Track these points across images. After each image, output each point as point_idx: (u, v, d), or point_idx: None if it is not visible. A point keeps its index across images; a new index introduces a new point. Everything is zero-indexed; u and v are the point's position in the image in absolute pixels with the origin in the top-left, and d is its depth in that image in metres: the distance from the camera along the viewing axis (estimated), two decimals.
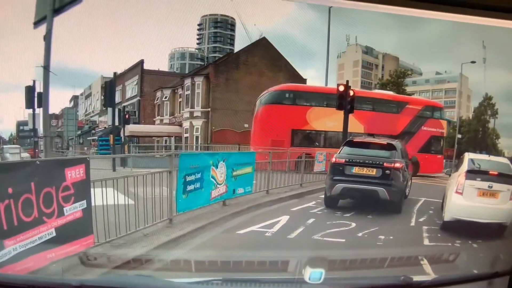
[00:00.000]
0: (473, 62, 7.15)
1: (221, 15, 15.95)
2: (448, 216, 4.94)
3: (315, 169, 9.23)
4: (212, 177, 5.73)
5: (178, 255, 4.24)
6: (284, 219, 5.59)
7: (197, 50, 16.22)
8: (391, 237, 4.93)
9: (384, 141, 6.51)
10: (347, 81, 9.85)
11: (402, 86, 10.42)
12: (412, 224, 5.71)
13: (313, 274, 2.58)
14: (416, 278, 2.73)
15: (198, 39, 16.13)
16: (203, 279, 2.88)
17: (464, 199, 4.75)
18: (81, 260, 3.41)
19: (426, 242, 4.92)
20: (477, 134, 9.39)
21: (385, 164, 5.74)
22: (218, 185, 5.87)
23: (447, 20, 2.65)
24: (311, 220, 5.60)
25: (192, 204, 5.35)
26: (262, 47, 11.79)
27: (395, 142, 6.43)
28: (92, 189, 3.78)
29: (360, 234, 5.01)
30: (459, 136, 9.11)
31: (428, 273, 3.44)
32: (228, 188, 6.15)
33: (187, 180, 5.19)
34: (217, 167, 5.81)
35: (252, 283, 2.79)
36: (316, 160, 9.42)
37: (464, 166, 5.03)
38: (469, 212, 4.71)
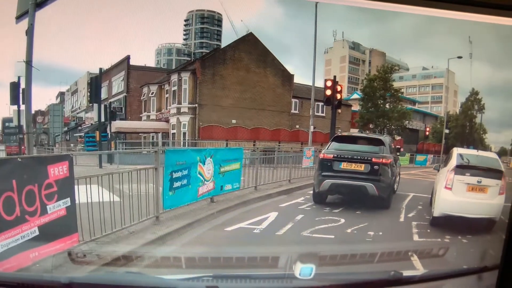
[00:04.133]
0: (459, 57, 7.17)
1: (208, 10, 15.89)
2: (437, 211, 4.93)
3: (303, 164, 9.19)
4: (199, 173, 5.63)
5: (167, 252, 4.19)
6: (272, 215, 5.53)
7: (184, 46, 16.12)
8: (381, 233, 4.91)
9: (372, 136, 6.56)
10: (335, 77, 9.82)
11: (389, 82, 10.41)
12: (401, 219, 5.70)
13: (303, 269, 2.57)
14: (406, 273, 2.74)
15: (184, 34, 16.06)
16: (194, 275, 2.84)
17: (454, 194, 4.75)
18: (70, 258, 3.37)
19: (415, 237, 4.90)
20: (465, 129, 9.41)
21: (373, 159, 5.71)
22: (205, 182, 5.78)
23: (434, 15, 2.73)
24: (299, 216, 5.55)
25: (179, 201, 5.25)
26: (249, 42, 11.69)
27: (383, 137, 6.42)
28: (76, 187, 3.68)
29: (349, 230, 4.98)
30: (447, 131, 9.12)
31: (418, 268, 3.45)
32: (216, 185, 6.06)
33: (173, 176, 5.10)
34: (204, 164, 5.72)
35: (243, 279, 2.79)
36: (304, 156, 9.38)
37: (453, 161, 5.01)
38: (458, 208, 4.70)
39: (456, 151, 5.28)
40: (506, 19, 2.43)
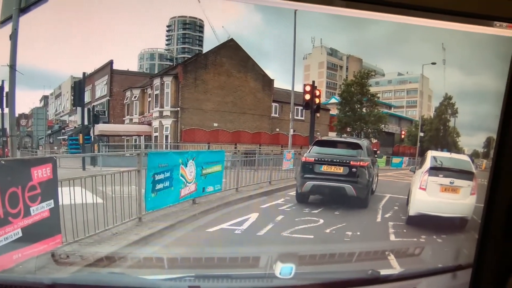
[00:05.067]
0: (433, 63, 7.23)
1: (190, 17, 15.77)
2: (412, 211, 5.08)
3: (283, 167, 9.21)
4: (182, 175, 5.61)
5: (149, 253, 4.16)
6: (253, 216, 5.51)
7: (166, 51, 16.03)
8: (358, 233, 4.96)
9: (351, 140, 6.80)
10: (313, 82, 9.86)
11: (366, 87, 10.49)
12: (378, 220, 5.75)
13: (283, 269, 2.66)
14: (383, 272, 2.83)
15: (167, 40, 15.95)
16: (176, 275, 2.89)
17: (428, 194, 4.90)
18: (53, 259, 3.35)
19: (392, 237, 4.95)
20: (439, 132, 9.52)
21: (351, 162, 5.91)
22: (187, 184, 5.76)
23: (408, 23, 2.70)
24: (280, 217, 5.55)
25: (162, 202, 5.24)
26: (230, 48, 11.65)
27: (361, 141, 6.57)
28: (60, 189, 3.63)
29: (328, 230, 5.01)
30: (422, 134, 9.22)
31: (395, 267, 3.48)
32: (198, 187, 6.03)
33: (156, 179, 5.08)
34: (186, 166, 5.71)
35: (224, 279, 2.82)
36: (284, 158, 9.40)
37: (427, 164, 5.16)
38: (432, 207, 4.86)
39: (430, 153, 5.42)
40: (476, 27, 2.67)
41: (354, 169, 5.89)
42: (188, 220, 5.24)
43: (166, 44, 12.80)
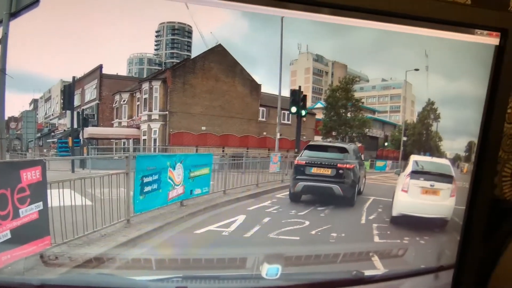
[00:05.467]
0: (416, 69, 7.27)
1: (179, 22, 15.61)
2: (395, 211, 5.26)
3: (270, 169, 9.20)
4: (170, 178, 5.57)
5: (137, 254, 4.18)
6: (240, 218, 5.50)
7: (155, 56, 15.91)
8: (343, 234, 5.00)
9: (338, 144, 7.10)
10: (300, 87, 9.88)
11: (351, 92, 10.49)
12: (363, 221, 5.76)
13: (270, 270, 2.74)
14: (368, 273, 2.98)
15: (156, 45, 15.76)
16: (164, 276, 2.92)
17: (409, 196, 5.09)
18: (42, 260, 3.36)
19: (376, 239, 5.03)
20: (422, 136, 9.55)
21: (338, 165, 6.22)
22: (175, 186, 5.70)
23: (392, 30, 2.78)
24: (266, 219, 5.57)
25: (150, 205, 5.20)
26: (218, 53, 11.58)
27: (348, 146, 6.97)
28: (49, 191, 3.61)
29: (313, 232, 5.06)
30: (405, 138, 9.26)
31: (379, 268, 3.54)
32: (186, 189, 5.95)
33: (144, 181, 5.05)
34: (174, 169, 5.66)
35: (212, 280, 2.90)
36: (271, 161, 9.40)
37: (409, 167, 5.35)
38: (414, 208, 4.99)
39: (413, 158, 5.67)
40: (458, 35, 2.78)
41: (341, 171, 6.19)
42: (176, 222, 5.21)
43: (155, 49, 12.72)
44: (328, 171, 6.30)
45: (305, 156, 6.81)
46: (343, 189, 6.21)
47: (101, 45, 5.23)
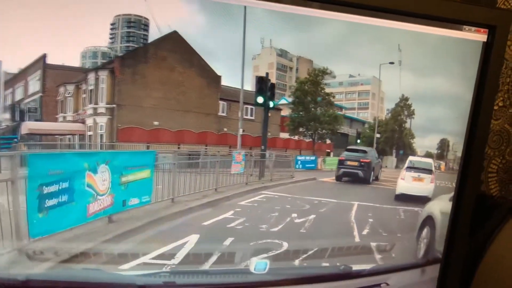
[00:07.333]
0: (391, 63, 7.05)
1: (135, 15, 15.05)
2: (397, 191, 7.01)
3: (232, 170, 8.51)
4: (89, 185, 4.23)
5: (124, 249, 4.02)
6: (192, 240, 4.09)
7: (109, 49, 15.27)
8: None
9: (362, 148, 9.39)
10: (267, 73, 9.39)
11: (321, 85, 10.18)
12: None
13: (258, 264, 3.04)
14: (355, 267, 3.27)
15: (110, 38, 15.14)
16: (151, 271, 3.07)
17: (405, 182, 7.00)
18: (27, 255, 3.31)
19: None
20: (395, 133, 9.62)
21: (361, 160, 8.61)
22: (98, 196, 4.35)
23: (361, 23, 2.85)
24: (228, 241, 4.22)
25: (57, 224, 3.87)
26: (173, 41, 10.95)
27: (367, 149, 9.12)
28: None
29: (296, 262, 4.04)
30: (378, 135, 9.36)
31: (366, 263, 3.74)
32: (116, 199, 4.65)
33: (44, 191, 3.72)
34: (96, 172, 4.33)
35: (200, 274, 3.11)
36: (233, 160, 8.73)
37: (406, 164, 7.28)
38: (408, 189, 6.80)
39: (409, 158, 7.44)
40: (445, 31, 2.94)
41: (362, 163, 8.61)
42: (94, 249, 3.85)
43: (110, 43, 12.18)
44: (356, 163, 8.72)
45: (344, 154, 9.18)
46: (363, 173, 8.56)
47: (53, 37, 4.69)
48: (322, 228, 4.39)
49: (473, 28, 2.87)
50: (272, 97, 9.10)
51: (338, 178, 9.16)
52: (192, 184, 7.16)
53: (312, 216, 5.48)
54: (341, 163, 9.38)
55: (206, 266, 3.82)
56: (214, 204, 6.56)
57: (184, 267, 3.42)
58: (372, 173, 9.63)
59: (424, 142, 7.74)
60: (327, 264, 3.66)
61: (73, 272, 3.09)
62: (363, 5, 2.63)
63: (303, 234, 4.94)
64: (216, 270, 3.21)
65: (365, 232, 5.08)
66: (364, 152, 9.49)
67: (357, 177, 9.06)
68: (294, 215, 5.49)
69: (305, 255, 3.71)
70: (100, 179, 4.42)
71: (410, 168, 7.41)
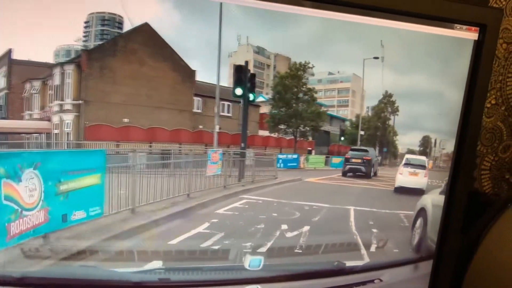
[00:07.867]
0: (376, 57, 6.82)
1: (109, 13, 14.54)
2: (396, 184, 7.32)
3: (207, 172, 7.74)
4: (10, 198, 3.01)
5: (120, 247, 3.84)
6: (153, 266, 3.21)
7: (83, 47, 14.85)
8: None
9: (364, 148, 9.68)
10: (247, 62, 8.90)
11: (302, 80, 9.87)
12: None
13: (252, 261, 2.99)
14: (349, 263, 3.27)
15: (84, 36, 14.68)
16: (146, 268, 3.00)
17: (403, 176, 7.37)
18: (23, 253, 3.22)
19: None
20: (377, 131, 9.63)
21: (364, 157, 9.25)
22: (25, 212, 3.14)
23: (339, 19, 2.72)
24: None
25: None
26: (144, 33, 10.49)
27: (369, 148, 9.52)
28: None
29: None
30: (362, 132, 9.35)
31: (360, 259, 3.74)
32: (52, 214, 3.40)
33: None
34: (19, 180, 3.08)
35: (195, 271, 3.07)
36: (209, 160, 8.07)
37: (403, 161, 7.51)
38: (405, 183, 7.05)
39: (406, 156, 7.54)
40: (436, 29, 2.89)
41: (364, 160, 9.22)
42: None
43: (84, 41, 11.73)
44: (359, 160, 9.36)
45: (349, 153, 9.83)
46: (365, 169, 9.20)
47: (25, 35, 4.57)
48: (321, 246, 3.91)
49: (464, 27, 2.89)
50: (252, 89, 8.54)
51: (344, 174, 9.74)
52: (159, 189, 5.87)
53: (306, 228, 4.45)
54: (347, 160, 9.95)
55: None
56: (185, 214, 5.32)
57: (179, 264, 3.39)
58: (372, 169, 10.28)
59: (407, 139, 7.81)
60: (321, 260, 3.70)
61: (69, 269, 3.05)
62: (354, 4, 2.63)
63: (299, 255, 4.06)
64: (210, 267, 3.20)
65: (373, 248, 4.37)
66: (366, 151, 9.97)
67: (360, 172, 9.61)
68: (284, 226, 4.54)
69: (299, 251, 3.79)
70: (27, 189, 3.23)
71: (407, 164, 7.74)
